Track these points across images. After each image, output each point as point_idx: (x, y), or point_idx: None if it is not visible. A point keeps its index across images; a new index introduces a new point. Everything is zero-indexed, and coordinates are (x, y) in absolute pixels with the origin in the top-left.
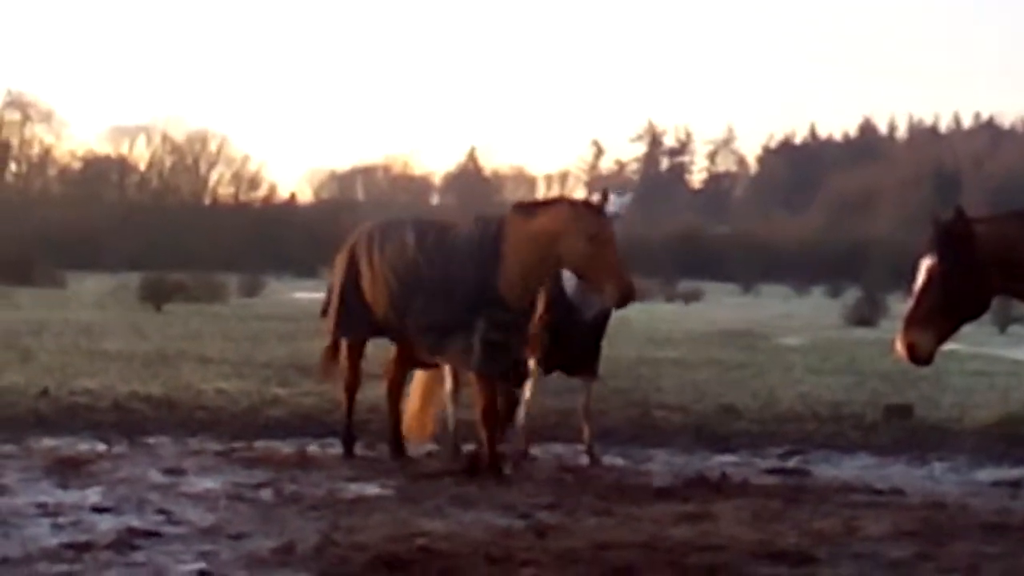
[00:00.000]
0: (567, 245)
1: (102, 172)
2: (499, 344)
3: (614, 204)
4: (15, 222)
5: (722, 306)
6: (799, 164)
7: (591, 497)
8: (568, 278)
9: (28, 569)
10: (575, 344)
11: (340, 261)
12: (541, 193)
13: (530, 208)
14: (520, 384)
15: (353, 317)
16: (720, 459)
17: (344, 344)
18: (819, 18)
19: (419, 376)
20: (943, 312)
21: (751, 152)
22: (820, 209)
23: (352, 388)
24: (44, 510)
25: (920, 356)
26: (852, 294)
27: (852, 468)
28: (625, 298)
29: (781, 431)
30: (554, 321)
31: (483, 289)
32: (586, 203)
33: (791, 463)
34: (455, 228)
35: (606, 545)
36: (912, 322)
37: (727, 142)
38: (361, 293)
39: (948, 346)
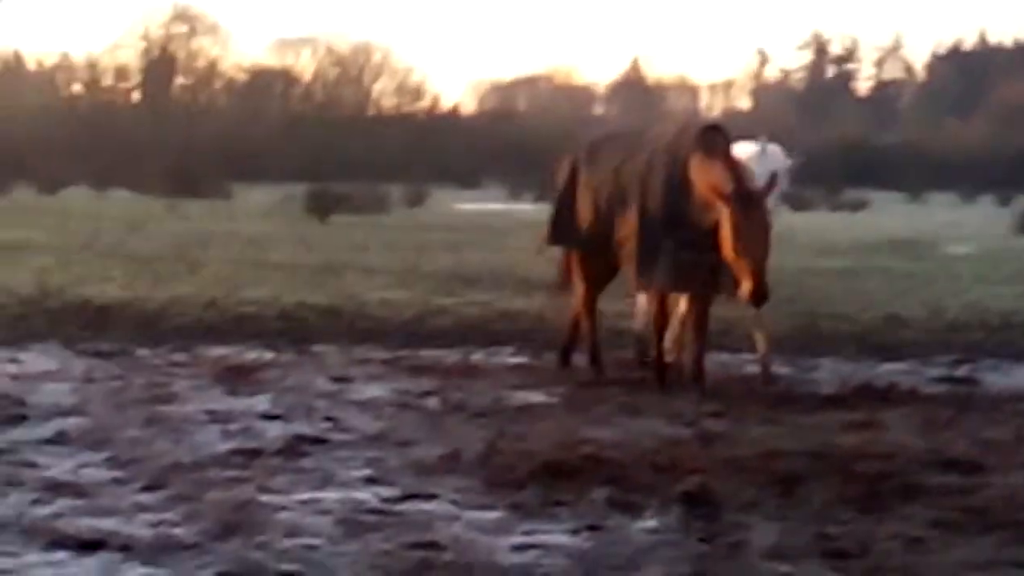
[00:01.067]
0: (723, 222)
1: (267, 84)
2: (691, 262)
3: (765, 158)
4: (182, 135)
5: (888, 215)
6: (968, 71)
7: (758, 405)
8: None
9: (198, 475)
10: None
11: (562, 171)
12: (704, 103)
13: (710, 154)
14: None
15: (562, 226)
16: (887, 367)
17: (576, 255)
18: None
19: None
20: None
21: (919, 59)
22: (989, 117)
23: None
24: (213, 417)
25: None
26: (1021, 202)
27: (1023, 377)
28: (757, 302)
29: (949, 340)
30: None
31: (673, 211)
32: (747, 192)
33: (960, 372)
34: (660, 142)
35: (773, 453)
36: None
37: (894, 49)
38: (574, 204)
39: None
